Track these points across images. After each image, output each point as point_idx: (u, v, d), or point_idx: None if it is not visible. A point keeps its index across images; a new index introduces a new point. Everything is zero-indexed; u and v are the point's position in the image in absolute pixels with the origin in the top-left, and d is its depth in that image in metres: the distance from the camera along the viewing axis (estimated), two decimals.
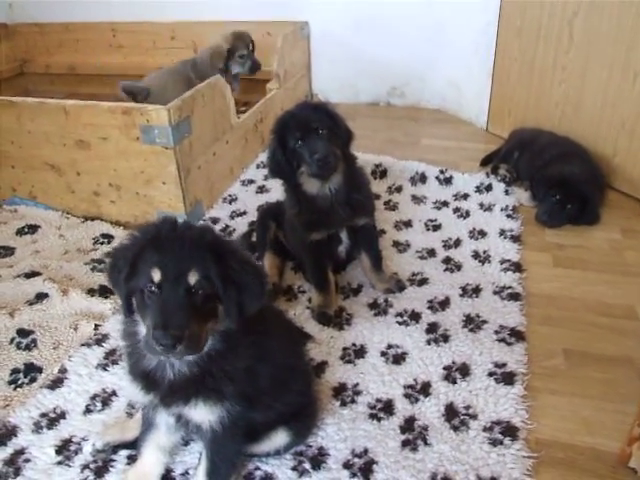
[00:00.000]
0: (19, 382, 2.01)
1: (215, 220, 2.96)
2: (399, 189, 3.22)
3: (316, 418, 1.75)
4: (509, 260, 2.53)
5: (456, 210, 2.98)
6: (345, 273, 2.52)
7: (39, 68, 5.19)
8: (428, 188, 3.21)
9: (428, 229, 2.85)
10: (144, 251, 1.28)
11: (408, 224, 2.89)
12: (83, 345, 2.13)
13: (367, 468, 1.63)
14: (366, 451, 1.68)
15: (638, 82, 2.90)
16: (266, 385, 1.48)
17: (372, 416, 1.80)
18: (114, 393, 1.93)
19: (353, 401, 1.86)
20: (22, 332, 2.20)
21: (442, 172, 3.26)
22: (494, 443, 1.69)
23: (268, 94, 3.84)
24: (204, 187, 3.01)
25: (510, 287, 2.36)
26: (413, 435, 1.73)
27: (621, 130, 3.04)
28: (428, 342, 2.10)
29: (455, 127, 4.14)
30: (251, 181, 3.36)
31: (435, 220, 2.90)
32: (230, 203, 3.13)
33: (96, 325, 2.22)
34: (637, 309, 2.26)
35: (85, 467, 1.67)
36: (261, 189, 3.27)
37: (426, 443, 1.70)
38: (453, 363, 1.99)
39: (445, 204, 3.05)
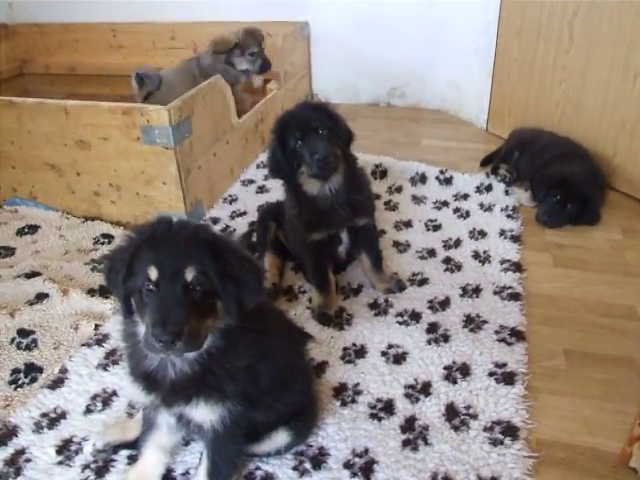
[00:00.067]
0: (20, 382, 2.01)
1: (215, 220, 2.96)
2: (399, 189, 3.22)
3: (317, 418, 1.75)
4: (509, 260, 2.54)
5: (456, 210, 2.98)
6: (345, 273, 2.52)
7: (39, 68, 5.18)
8: (428, 188, 3.21)
9: (428, 229, 2.85)
10: (140, 251, 1.28)
11: (408, 224, 2.89)
12: (83, 345, 2.13)
13: (368, 468, 1.63)
14: (367, 451, 1.68)
15: (638, 82, 2.90)
16: (267, 385, 1.48)
17: (373, 416, 1.80)
18: (115, 393, 1.93)
19: (354, 401, 1.86)
20: (22, 332, 2.20)
21: (442, 172, 3.26)
22: (495, 443, 1.69)
23: (268, 94, 3.84)
24: (204, 187, 3.01)
25: (510, 287, 2.36)
26: (414, 435, 1.73)
27: (621, 130, 3.04)
28: (428, 342, 2.10)
29: (455, 127, 4.15)
30: (251, 181, 3.36)
31: (435, 220, 2.90)
32: (230, 203, 3.13)
33: (96, 325, 2.23)
34: (637, 309, 2.26)
35: (86, 467, 1.67)
36: (261, 189, 3.27)
37: (427, 443, 1.71)
38: (453, 363, 1.99)
39: (445, 204, 3.05)
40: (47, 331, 2.22)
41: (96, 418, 1.84)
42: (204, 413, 1.39)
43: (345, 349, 2.09)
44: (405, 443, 1.71)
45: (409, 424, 1.77)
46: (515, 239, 2.69)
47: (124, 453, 1.70)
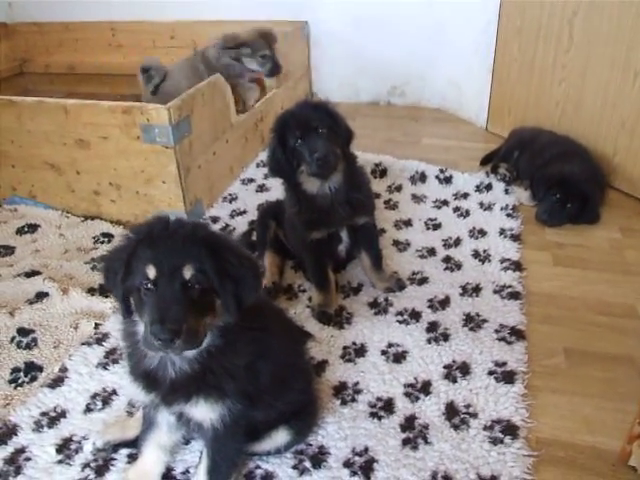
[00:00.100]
0: (19, 381, 2.01)
1: (215, 219, 2.96)
2: (399, 188, 3.22)
3: (317, 417, 1.75)
4: (509, 259, 2.54)
5: (456, 209, 2.98)
6: (345, 272, 2.52)
7: (39, 68, 5.18)
8: (428, 187, 3.21)
9: (428, 228, 2.85)
10: (138, 250, 1.28)
11: (408, 223, 2.89)
12: (83, 344, 2.13)
13: (367, 467, 1.63)
14: (366, 449, 1.68)
15: (638, 81, 2.90)
16: (267, 383, 1.48)
17: (372, 415, 1.80)
18: (114, 392, 1.93)
19: (353, 400, 1.86)
20: (22, 331, 2.20)
21: (442, 171, 3.26)
22: (494, 442, 1.69)
23: (268, 93, 3.84)
24: (204, 186, 3.01)
25: (510, 286, 2.36)
26: (413, 434, 1.73)
27: (621, 129, 3.04)
28: (428, 341, 2.10)
29: (455, 126, 4.14)
30: (251, 180, 3.36)
31: (435, 219, 2.90)
32: (230, 202, 3.13)
33: (96, 324, 2.23)
34: (637, 308, 2.26)
35: (86, 466, 1.67)
36: (261, 188, 3.27)
37: (426, 442, 1.71)
38: (453, 362, 1.99)
39: (445, 203, 3.05)
40: (47, 330, 2.21)
41: (96, 417, 1.84)
42: (204, 412, 1.39)
43: (345, 348, 2.09)
44: (405, 442, 1.71)
45: (409, 423, 1.77)
46: (515, 238, 2.69)
47: (124, 452, 1.70)
